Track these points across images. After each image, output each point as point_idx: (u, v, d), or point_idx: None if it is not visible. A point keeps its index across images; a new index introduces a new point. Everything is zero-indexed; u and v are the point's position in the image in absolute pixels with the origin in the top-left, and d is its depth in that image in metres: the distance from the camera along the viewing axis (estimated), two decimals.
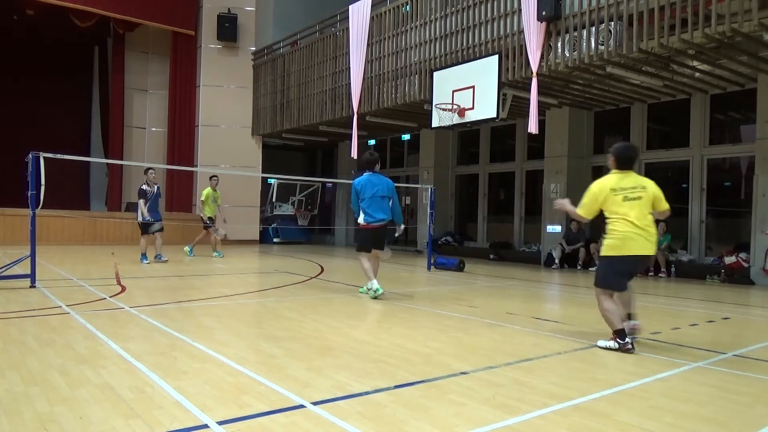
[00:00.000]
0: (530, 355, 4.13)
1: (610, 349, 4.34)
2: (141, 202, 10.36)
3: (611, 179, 4.53)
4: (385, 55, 12.58)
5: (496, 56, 9.95)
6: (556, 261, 11.99)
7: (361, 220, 6.91)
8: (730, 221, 11.21)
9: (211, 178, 12.10)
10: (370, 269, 6.87)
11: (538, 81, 9.46)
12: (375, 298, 6.67)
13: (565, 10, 9.00)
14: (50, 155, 6.87)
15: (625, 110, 12.13)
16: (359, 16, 12.98)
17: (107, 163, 16.76)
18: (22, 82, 16.44)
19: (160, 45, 17.76)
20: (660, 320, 5.84)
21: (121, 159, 16.43)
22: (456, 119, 10.76)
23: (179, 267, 10.05)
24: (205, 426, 2.60)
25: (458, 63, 10.72)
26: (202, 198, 11.96)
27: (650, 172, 11.96)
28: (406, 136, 17.15)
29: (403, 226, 7.35)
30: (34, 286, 6.69)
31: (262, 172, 17.18)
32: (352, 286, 7.94)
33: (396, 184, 7.37)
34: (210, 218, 11.96)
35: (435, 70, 11.12)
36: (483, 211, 15.44)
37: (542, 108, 11.58)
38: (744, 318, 6.43)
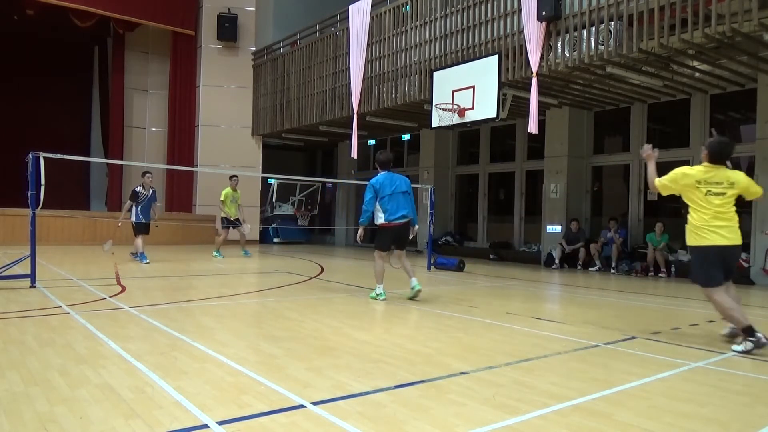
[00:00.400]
0: (530, 355, 4.13)
1: (748, 352, 4.23)
2: (128, 203, 10.44)
3: (699, 171, 4.57)
4: (385, 55, 12.58)
5: (496, 56, 9.95)
6: (556, 261, 11.99)
7: (380, 219, 6.57)
8: None
9: (230, 178, 12.14)
10: (382, 273, 6.65)
11: (538, 81, 9.46)
12: (375, 299, 6.65)
13: (565, 10, 9.00)
14: (50, 155, 6.88)
15: (625, 110, 12.13)
16: (359, 16, 12.98)
17: (107, 163, 16.77)
18: (22, 82, 16.44)
19: (160, 45, 17.76)
20: (660, 320, 5.84)
21: (121, 159, 16.44)
22: (456, 119, 10.76)
23: (179, 267, 10.05)
24: (205, 426, 2.59)
25: (458, 63, 10.72)
26: (222, 198, 12.00)
27: None
28: (406, 136, 17.15)
29: (417, 227, 7.02)
30: (34, 286, 6.69)
31: (262, 172, 17.19)
32: (352, 286, 7.95)
33: None
34: (226, 218, 12.05)
35: (435, 70, 11.12)
36: (483, 211, 15.44)
37: (542, 108, 11.58)
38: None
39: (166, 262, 10.71)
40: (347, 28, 13.45)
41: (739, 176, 4.60)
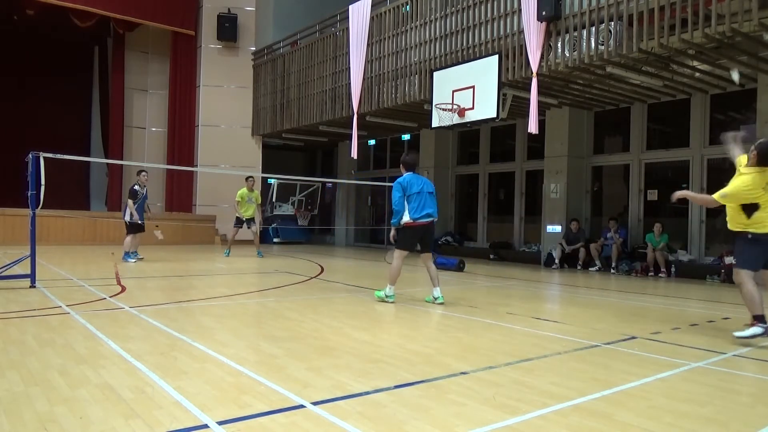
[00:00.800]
0: (530, 355, 4.13)
1: (756, 336, 4.50)
2: (130, 202, 10.43)
3: (758, 177, 4.69)
4: (385, 55, 12.58)
5: (496, 56, 9.96)
6: (556, 261, 11.98)
7: (405, 217, 6.36)
8: None
9: (247, 179, 12.21)
10: (397, 275, 6.46)
11: (538, 81, 9.46)
12: (381, 300, 6.51)
13: (565, 10, 9.00)
14: (50, 155, 6.88)
15: (625, 110, 12.13)
16: (359, 16, 12.98)
17: (107, 163, 16.77)
18: (22, 82, 16.46)
19: (160, 45, 17.76)
20: (660, 320, 5.84)
21: (121, 159, 16.44)
22: (456, 119, 10.76)
23: (179, 267, 10.05)
24: (205, 426, 2.59)
25: (458, 63, 10.73)
26: (237, 198, 12.05)
27: (650, 172, 11.97)
28: (406, 136, 17.14)
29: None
30: (34, 286, 6.69)
31: (262, 172, 17.18)
32: (352, 287, 7.95)
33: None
34: (237, 218, 12.11)
35: (435, 70, 11.12)
36: (483, 211, 15.44)
37: (542, 108, 11.57)
38: (744, 318, 6.41)
39: (166, 262, 10.71)
40: (347, 28, 13.45)
41: None
